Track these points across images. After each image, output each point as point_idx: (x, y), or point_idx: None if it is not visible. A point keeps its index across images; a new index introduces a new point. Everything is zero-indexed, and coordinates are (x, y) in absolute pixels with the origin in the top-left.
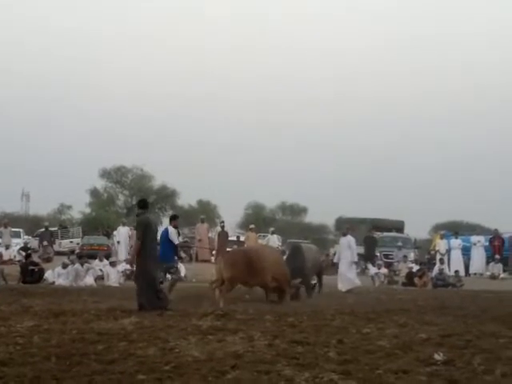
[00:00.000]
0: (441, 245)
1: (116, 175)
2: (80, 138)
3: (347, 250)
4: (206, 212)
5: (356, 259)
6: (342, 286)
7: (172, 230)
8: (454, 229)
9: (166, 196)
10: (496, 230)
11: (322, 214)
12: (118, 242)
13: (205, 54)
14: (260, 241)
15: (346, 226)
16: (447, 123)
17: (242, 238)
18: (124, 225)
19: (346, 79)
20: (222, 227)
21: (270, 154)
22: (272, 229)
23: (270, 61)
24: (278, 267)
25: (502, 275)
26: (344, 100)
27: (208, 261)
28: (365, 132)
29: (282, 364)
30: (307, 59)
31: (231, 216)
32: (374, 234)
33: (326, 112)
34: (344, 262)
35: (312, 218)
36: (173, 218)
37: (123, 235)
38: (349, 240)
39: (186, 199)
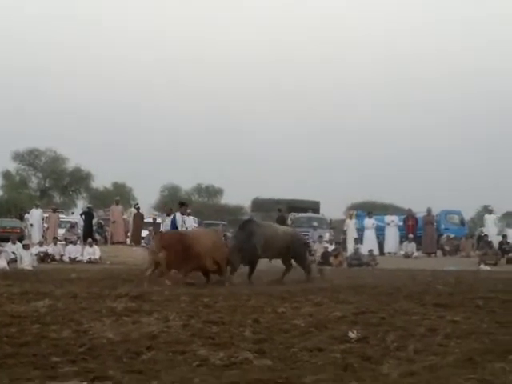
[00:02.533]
0: (349, 225)
1: (29, 158)
2: None
3: None
4: (121, 194)
5: None
6: None
7: (179, 217)
8: (368, 209)
9: (81, 178)
10: (409, 209)
11: (237, 196)
12: (32, 225)
13: None
14: None
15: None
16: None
17: (158, 220)
18: (37, 207)
19: None
20: (138, 209)
21: (186, 136)
22: (188, 211)
23: None
24: (218, 250)
25: (415, 254)
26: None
27: (123, 243)
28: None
29: (197, 344)
30: None
31: (147, 198)
32: (284, 214)
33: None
34: None
35: (228, 199)
36: (181, 205)
37: (36, 218)
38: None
39: (101, 181)
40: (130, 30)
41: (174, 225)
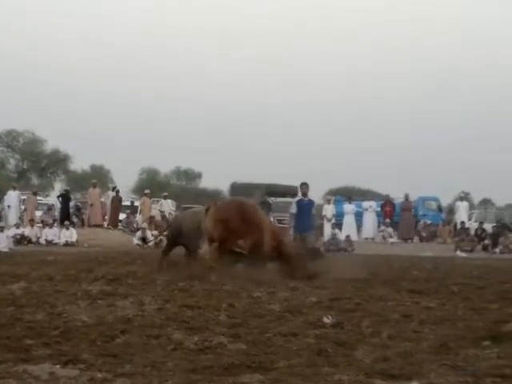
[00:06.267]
0: (327, 210)
1: (7, 139)
2: None
3: None
4: (99, 177)
5: None
6: None
7: None
8: (346, 194)
9: (59, 160)
10: (387, 195)
11: (216, 179)
12: (9, 207)
13: None
14: (153, 205)
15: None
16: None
17: (136, 203)
18: (14, 189)
19: None
20: (117, 192)
21: (165, 119)
22: (165, 193)
23: None
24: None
25: (392, 240)
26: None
27: (100, 226)
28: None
29: (172, 328)
30: None
31: (125, 181)
32: (267, 199)
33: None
34: None
35: (207, 183)
36: None
37: (13, 200)
38: None
39: (79, 164)
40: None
41: None
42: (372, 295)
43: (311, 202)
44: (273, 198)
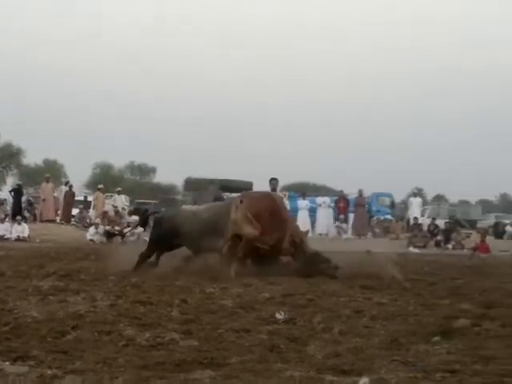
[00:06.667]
0: None
1: None
2: None
3: None
4: (52, 171)
5: None
6: None
7: None
8: (300, 190)
9: (11, 154)
10: (341, 191)
11: (170, 174)
12: None
13: None
14: (107, 200)
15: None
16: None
17: (89, 198)
18: None
19: None
20: (70, 187)
21: (120, 113)
22: (119, 188)
23: None
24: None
25: (345, 236)
26: None
27: (52, 221)
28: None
29: (124, 324)
30: None
31: (79, 175)
32: (221, 195)
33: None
34: None
35: (161, 178)
36: None
37: None
38: None
39: (32, 158)
40: None
41: None
42: (325, 291)
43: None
44: (227, 194)
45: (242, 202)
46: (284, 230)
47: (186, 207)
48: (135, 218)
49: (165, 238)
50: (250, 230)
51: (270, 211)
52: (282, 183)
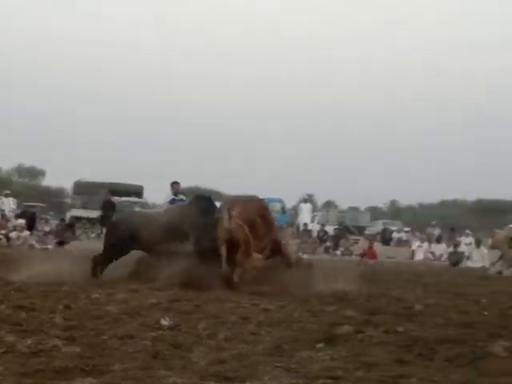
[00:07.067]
0: None
1: None
2: None
3: None
4: None
5: None
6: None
7: None
8: (190, 194)
9: None
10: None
11: (60, 178)
12: None
13: None
14: None
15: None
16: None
17: None
18: None
19: None
20: None
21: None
22: (6, 191)
23: None
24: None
25: None
26: None
27: None
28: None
29: (5, 330)
30: None
31: None
32: (111, 199)
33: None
34: None
35: (50, 181)
36: None
37: None
38: None
39: None
40: None
41: None
42: (211, 297)
43: (183, 202)
44: (117, 198)
45: (232, 208)
46: (273, 235)
47: (142, 211)
48: (21, 221)
49: (123, 241)
50: (245, 237)
51: (261, 216)
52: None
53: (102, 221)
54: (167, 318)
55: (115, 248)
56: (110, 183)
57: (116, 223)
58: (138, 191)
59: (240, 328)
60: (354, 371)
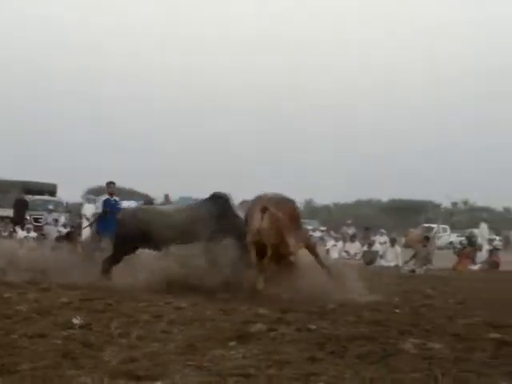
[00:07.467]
0: (87, 209)
1: None
2: None
3: None
4: None
5: None
6: None
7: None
8: (102, 193)
9: None
10: (147, 195)
11: None
12: None
13: None
14: None
15: None
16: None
17: None
18: None
19: None
20: None
21: None
22: None
23: None
24: None
25: None
26: None
27: None
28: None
29: None
30: None
31: None
32: (24, 197)
33: None
34: None
35: None
36: None
37: None
38: None
39: None
40: None
41: None
42: (124, 296)
43: (117, 202)
44: (30, 196)
45: (267, 209)
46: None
47: (147, 207)
48: None
49: (135, 238)
50: (276, 240)
51: (292, 217)
52: (86, 187)
53: (15, 219)
54: (78, 317)
55: (125, 245)
56: (23, 181)
57: (124, 220)
58: (51, 189)
59: (152, 327)
60: (266, 369)
